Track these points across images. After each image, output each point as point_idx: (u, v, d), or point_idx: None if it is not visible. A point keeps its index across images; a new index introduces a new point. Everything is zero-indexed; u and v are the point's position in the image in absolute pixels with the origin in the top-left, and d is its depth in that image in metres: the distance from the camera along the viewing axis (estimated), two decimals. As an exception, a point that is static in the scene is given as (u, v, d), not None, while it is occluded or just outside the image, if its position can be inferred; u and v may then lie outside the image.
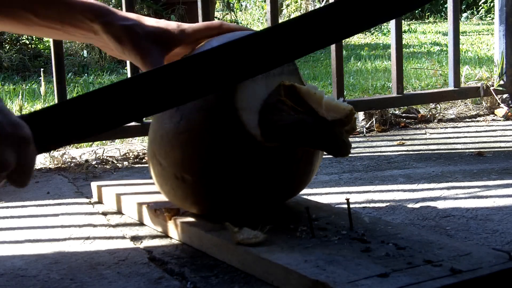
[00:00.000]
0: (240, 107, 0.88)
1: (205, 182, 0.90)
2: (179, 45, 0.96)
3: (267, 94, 0.90)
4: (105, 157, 1.57)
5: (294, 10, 7.62)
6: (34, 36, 5.16)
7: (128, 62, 1.62)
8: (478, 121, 1.94)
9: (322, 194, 1.21)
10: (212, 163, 0.89)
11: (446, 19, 2.78)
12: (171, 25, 0.96)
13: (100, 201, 1.21)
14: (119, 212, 1.13)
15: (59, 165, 1.53)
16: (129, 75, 1.63)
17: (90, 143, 1.80)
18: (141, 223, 1.06)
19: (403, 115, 1.98)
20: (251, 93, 0.89)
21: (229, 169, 0.89)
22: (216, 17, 6.58)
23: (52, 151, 0.73)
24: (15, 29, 0.95)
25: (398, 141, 1.68)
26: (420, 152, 1.56)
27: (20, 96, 2.52)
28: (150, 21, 0.95)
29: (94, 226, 1.07)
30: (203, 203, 0.94)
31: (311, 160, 0.95)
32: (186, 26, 0.96)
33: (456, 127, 1.86)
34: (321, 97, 0.87)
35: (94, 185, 1.23)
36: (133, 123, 1.63)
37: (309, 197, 1.10)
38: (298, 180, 0.96)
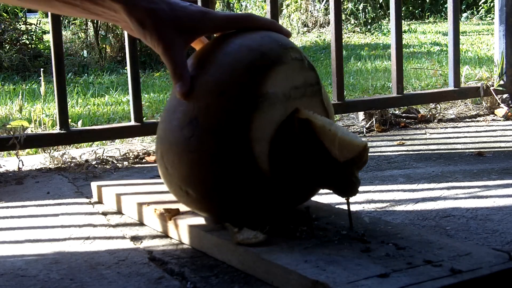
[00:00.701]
0: (254, 138, 0.85)
1: (209, 201, 0.90)
2: (203, 34, 0.91)
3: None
4: (105, 157, 1.57)
5: (294, 10, 7.62)
6: (34, 36, 5.16)
7: (128, 63, 1.62)
8: (478, 121, 1.94)
9: (322, 194, 1.21)
10: (218, 188, 0.87)
11: (446, 19, 2.78)
12: (196, 13, 0.89)
13: (100, 201, 1.21)
14: (119, 212, 1.13)
15: (59, 165, 1.53)
16: (129, 75, 1.63)
17: (90, 143, 1.80)
18: (141, 223, 1.06)
19: (403, 115, 1.98)
20: (268, 120, 0.86)
21: (235, 197, 0.88)
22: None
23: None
24: (34, 4, 0.90)
25: (398, 141, 1.68)
26: (420, 152, 1.56)
27: (20, 96, 2.52)
28: (175, 7, 0.88)
29: (94, 226, 1.07)
30: (205, 214, 0.95)
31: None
32: (213, 15, 0.90)
33: (456, 127, 1.86)
34: (335, 134, 0.83)
35: (94, 185, 1.23)
36: (133, 123, 1.63)
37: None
38: (301, 202, 0.97)
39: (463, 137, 1.72)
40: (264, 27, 0.93)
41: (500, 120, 1.94)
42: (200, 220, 0.95)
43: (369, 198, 1.19)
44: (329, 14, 2.46)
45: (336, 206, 1.03)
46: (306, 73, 0.90)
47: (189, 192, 0.89)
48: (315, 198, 1.13)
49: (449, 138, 1.71)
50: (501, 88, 2.06)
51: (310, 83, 0.90)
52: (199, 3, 1.65)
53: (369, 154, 1.54)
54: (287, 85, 0.88)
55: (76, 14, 0.92)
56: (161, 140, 0.92)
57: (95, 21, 5.08)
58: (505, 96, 2.06)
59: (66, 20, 5.95)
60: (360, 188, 1.25)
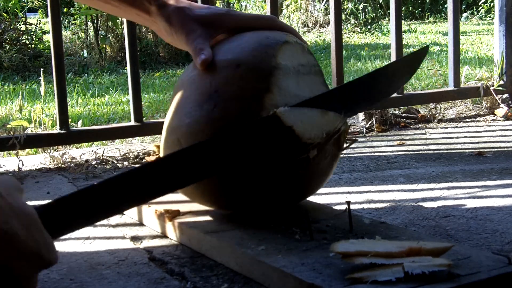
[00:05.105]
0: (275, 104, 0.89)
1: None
2: (225, 29, 0.98)
3: (298, 90, 0.92)
4: (105, 157, 1.57)
5: (294, 10, 7.62)
6: (34, 36, 5.15)
7: (128, 63, 1.62)
8: (478, 121, 1.94)
9: (322, 194, 1.21)
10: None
11: (446, 19, 2.78)
12: (220, 10, 0.99)
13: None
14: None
15: (59, 165, 1.53)
16: (129, 75, 1.63)
17: (90, 143, 1.80)
18: (141, 223, 1.06)
19: (403, 115, 1.98)
20: (284, 87, 0.91)
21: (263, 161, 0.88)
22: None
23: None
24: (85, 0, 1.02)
25: (398, 141, 1.68)
26: (420, 152, 1.56)
27: (20, 96, 2.52)
28: (201, 7, 0.99)
29: (94, 226, 1.07)
30: (223, 197, 0.92)
31: (332, 164, 0.95)
32: (235, 13, 0.99)
33: (456, 127, 1.86)
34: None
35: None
36: (133, 123, 1.63)
37: (309, 198, 1.10)
38: (317, 181, 0.96)
39: (463, 137, 1.72)
40: (283, 30, 0.99)
41: (500, 120, 1.94)
42: (199, 222, 0.95)
43: (369, 198, 1.19)
44: (329, 14, 2.45)
45: (337, 208, 1.03)
46: (307, 55, 0.98)
47: None
48: (315, 198, 1.13)
49: (449, 138, 1.71)
50: (501, 88, 2.06)
51: (313, 63, 0.98)
52: (199, 2, 1.65)
53: (369, 154, 1.55)
54: (295, 61, 0.95)
55: (112, 12, 1.04)
56: (173, 129, 0.92)
57: (95, 21, 5.08)
58: (505, 96, 2.06)
59: (66, 20, 5.95)
60: (360, 188, 1.26)
